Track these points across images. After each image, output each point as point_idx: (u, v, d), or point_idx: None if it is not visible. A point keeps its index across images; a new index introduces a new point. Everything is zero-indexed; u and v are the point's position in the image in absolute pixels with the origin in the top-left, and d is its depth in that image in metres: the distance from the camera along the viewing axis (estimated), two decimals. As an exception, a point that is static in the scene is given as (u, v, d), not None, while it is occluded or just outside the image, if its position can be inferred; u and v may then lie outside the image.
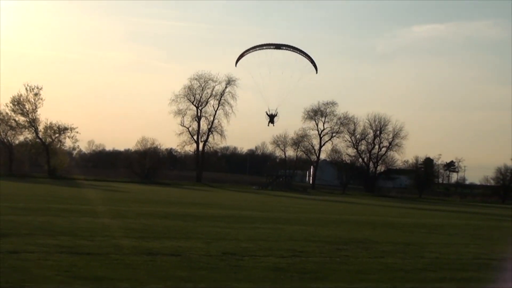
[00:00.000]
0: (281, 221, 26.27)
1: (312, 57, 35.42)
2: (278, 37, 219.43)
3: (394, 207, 57.36)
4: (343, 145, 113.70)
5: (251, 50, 35.21)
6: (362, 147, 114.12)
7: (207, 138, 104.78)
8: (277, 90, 36.54)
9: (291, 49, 35.20)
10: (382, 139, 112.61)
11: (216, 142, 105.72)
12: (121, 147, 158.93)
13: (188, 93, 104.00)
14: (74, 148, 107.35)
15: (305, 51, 35.56)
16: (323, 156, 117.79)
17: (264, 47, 35.18)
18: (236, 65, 36.16)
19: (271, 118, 42.09)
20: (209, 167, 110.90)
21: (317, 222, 27.08)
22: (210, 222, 22.96)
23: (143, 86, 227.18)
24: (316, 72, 36.86)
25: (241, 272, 11.74)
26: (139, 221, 21.71)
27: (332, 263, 13.71)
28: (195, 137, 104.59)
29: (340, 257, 14.82)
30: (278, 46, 35.16)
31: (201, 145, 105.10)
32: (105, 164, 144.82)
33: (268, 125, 37.46)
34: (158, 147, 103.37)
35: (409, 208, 57.03)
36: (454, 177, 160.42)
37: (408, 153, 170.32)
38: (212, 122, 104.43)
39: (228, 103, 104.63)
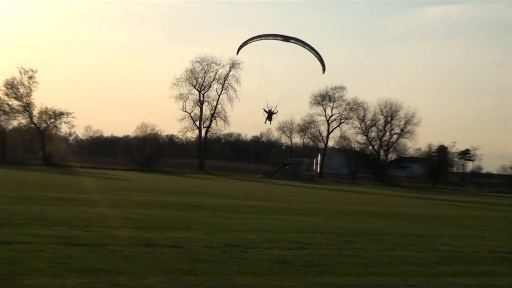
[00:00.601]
0: (287, 212, 26.30)
1: (321, 55, 35.08)
2: (284, 18, 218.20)
3: (405, 197, 57.35)
4: (352, 132, 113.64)
5: (256, 39, 34.88)
6: (372, 134, 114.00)
7: (210, 124, 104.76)
8: (279, 85, 36.38)
9: (300, 43, 34.78)
10: (394, 126, 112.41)
11: (219, 128, 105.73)
12: (119, 133, 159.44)
13: (190, 77, 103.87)
14: (70, 134, 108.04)
15: (315, 47, 35.20)
16: (331, 143, 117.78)
17: (271, 37, 34.83)
18: (237, 53, 35.93)
19: (269, 115, 42.08)
20: (212, 155, 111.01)
21: (324, 213, 27.09)
22: (212, 212, 23.00)
23: (142, 69, 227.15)
24: (323, 72, 36.66)
25: (245, 264, 11.75)
26: (138, 210, 21.75)
27: (340, 255, 13.72)
28: (197, 123, 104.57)
29: (349, 249, 14.82)
30: (286, 39, 34.66)
31: (203, 131, 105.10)
32: (103, 151, 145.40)
33: (265, 122, 37.36)
34: (159, 133, 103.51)
35: (422, 198, 57.01)
36: (469, 166, 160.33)
37: (420, 140, 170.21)
38: (215, 107, 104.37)
39: (232, 87, 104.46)
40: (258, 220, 21.01)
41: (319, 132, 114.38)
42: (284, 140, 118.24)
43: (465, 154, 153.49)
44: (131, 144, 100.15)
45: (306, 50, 34.74)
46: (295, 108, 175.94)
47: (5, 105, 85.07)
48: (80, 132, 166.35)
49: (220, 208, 25.84)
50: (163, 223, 17.92)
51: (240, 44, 35.71)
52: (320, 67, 36.07)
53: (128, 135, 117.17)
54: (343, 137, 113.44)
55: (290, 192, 50.54)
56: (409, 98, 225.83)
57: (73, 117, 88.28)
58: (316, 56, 35.15)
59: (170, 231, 15.99)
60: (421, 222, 25.27)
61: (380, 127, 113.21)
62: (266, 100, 36.92)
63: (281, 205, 31.17)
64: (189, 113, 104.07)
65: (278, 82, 36.28)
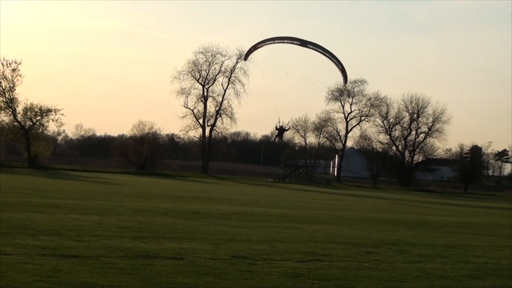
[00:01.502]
0: (301, 220, 26.33)
1: (342, 63, 34.76)
2: (298, 3, 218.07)
3: (433, 203, 57.21)
4: (373, 131, 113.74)
5: (268, 42, 34.50)
6: (396, 133, 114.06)
7: (215, 122, 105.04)
8: (292, 96, 36.40)
9: (319, 50, 34.38)
10: (420, 124, 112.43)
11: (225, 126, 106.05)
12: (114, 132, 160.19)
13: (192, 69, 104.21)
14: (59, 133, 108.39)
15: (335, 55, 34.83)
16: (350, 143, 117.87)
17: (286, 41, 34.52)
18: (246, 58, 35.87)
19: (280, 132, 42.15)
20: (217, 156, 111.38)
21: (342, 221, 27.10)
22: (217, 220, 23.06)
23: (139, 61, 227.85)
24: (345, 84, 36.52)
25: (254, 278, 11.79)
26: (135, 218, 21.84)
27: (360, 268, 13.73)
28: (200, 121, 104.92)
29: (370, 261, 14.82)
30: (303, 43, 34.29)
31: (207, 130, 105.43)
32: (96, 152, 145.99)
33: (275, 140, 37.37)
34: (158, 132, 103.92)
35: (452, 204, 56.87)
36: (507, 168, 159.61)
37: (451, 140, 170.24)
38: (221, 103, 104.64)
39: (239, 81, 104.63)
40: (269, 229, 21.05)
41: (336, 131, 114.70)
42: (298, 140, 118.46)
43: (502, 155, 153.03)
44: (127, 144, 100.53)
45: (325, 58, 34.38)
46: (310, 103, 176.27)
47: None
48: (70, 131, 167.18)
49: (226, 215, 25.89)
50: (162, 232, 17.99)
51: (249, 48, 35.43)
52: (341, 77, 35.88)
53: (123, 135, 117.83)
54: (363, 137, 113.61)
55: (304, 197, 50.55)
56: (437, 93, 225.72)
57: (62, 115, 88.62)
58: (337, 65, 34.85)
59: (170, 241, 16.05)
60: (451, 232, 25.24)
61: (405, 126, 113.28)
62: (278, 116, 36.87)
63: (294, 212, 31.20)
64: (192, 110, 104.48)
65: (291, 93, 36.47)
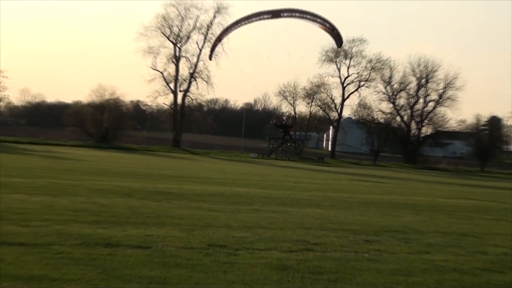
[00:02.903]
0: (289, 202, 26.38)
1: (330, 22, 34.35)
2: None
3: (444, 183, 57.59)
4: (374, 98, 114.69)
5: (234, 28, 34.22)
6: (401, 101, 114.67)
7: (189, 87, 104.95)
8: (279, 58, 36.12)
9: (296, 15, 33.99)
10: (430, 90, 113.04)
11: (201, 92, 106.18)
12: (68, 98, 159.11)
13: (162, 25, 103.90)
14: (0, 99, 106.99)
15: (318, 14, 34.49)
16: (346, 113, 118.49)
17: (254, 19, 34.17)
18: (210, 58, 35.59)
19: (285, 130, 42.27)
20: (191, 127, 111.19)
21: (338, 204, 27.20)
22: (191, 203, 23.05)
23: (98, 15, 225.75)
24: (339, 46, 36.07)
25: (233, 271, 11.80)
26: (93, 200, 21.78)
27: (358, 260, 13.79)
28: (171, 86, 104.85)
29: (369, 252, 14.89)
30: (275, 14, 33.91)
31: (180, 96, 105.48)
32: (46, 121, 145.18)
33: (284, 139, 37.18)
34: (121, 98, 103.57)
35: (467, 185, 57.26)
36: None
37: (465, 110, 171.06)
38: (196, 65, 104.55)
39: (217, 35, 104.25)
40: (251, 213, 21.07)
41: (331, 98, 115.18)
42: (286, 108, 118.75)
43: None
44: (84, 112, 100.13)
45: (308, 22, 34.10)
46: (300, 66, 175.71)
47: None
48: (14, 96, 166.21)
49: (202, 197, 25.89)
50: (126, 217, 17.96)
51: (213, 41, 35.08)
52: (332, 40, 35.59)
53: (79, 101, 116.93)
54: (362, 105, 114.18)
55: (293, 176, 50.65)
56: (450, 54, 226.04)
57: (5, 77, 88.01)
58: (324, 27, 34.51)
59: (135, 227, 16.04)
60: (465, 217, 25.41)
61: (411, 92, 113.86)
62: (276, 111, 36.84)
63: (281, 193, 31.25)
64: (161, 73, 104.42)
65: (278, 55, 36.25)
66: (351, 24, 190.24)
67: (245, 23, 33.94)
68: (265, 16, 33.99)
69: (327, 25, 34.72)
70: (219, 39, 34.95)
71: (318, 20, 34.43)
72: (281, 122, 47.29)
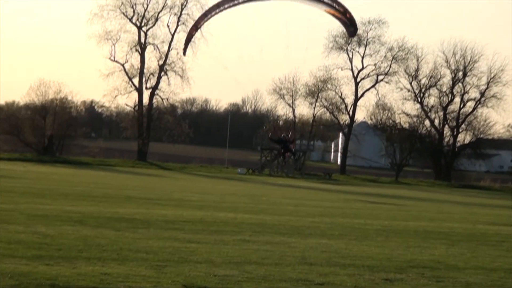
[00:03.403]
0: (287, 231, 26.38)
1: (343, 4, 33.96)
2: None
3: (488, 206, 57.62)
4: (396, 97, 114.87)
5: (216, 11, 33.99)
6: (432, 100, 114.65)
7: (158, 83, 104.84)
8: (275, 45, 35.94)
9: None
10: (468, 87, 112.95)
11: (174, 90, 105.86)
12: (0, 99, 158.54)
13: (122, 3, 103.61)
14: None
15: None
16: (361, 116, 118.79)
17: (241, 2, 33.86)
18: (184, 53, 35.40)
19: (284, 146, 42.59)
20: (162, 135, 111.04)
21: (349, 233, 27.20)
22: (162, 232, 23.02)
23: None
24: (352, 36, 35.80)
25: (217, 319, 11.78)
26: (34, 228, 21.71)
27: (378, 304, 13.78)
28: (135, 81, 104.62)
29: (392, 293, 14.89)
30: None
31: (146, 95, 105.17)
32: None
33: (284, 157, 37.16)
34: (69, 98, 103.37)
35: (516, 208, 57.32)
36: None
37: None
38: (167, 54, 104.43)
39: (194, 21, 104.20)
40: (239, 245, 21.05)
41: (340, 97, 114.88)
42: (282, 110, 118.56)
43: None
44: (20, 116, 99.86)
45: (311, 4, 33.85)
46: (301, 55, 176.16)
47: None
48: None
49: (176, 224, 25.87)
50: (77, 250, 17.91)
51: (189, 29, 34.88)
52: (342, 28, 35.44)
53: (15, 102, 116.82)
54: (381, 106, 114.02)
55: (292, 198, 50.64)
56: (495, 41, 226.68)
57: None
58: (332, 10, 34.11)
59: (89, 263, 15.99)
60: (513, 248, 25.41)
61: (444, 89, 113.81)
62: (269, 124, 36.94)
63: (277, 219, 31.24)
64: (122, 65, 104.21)
65: (272, 42, 36.13)
66: (367, 0, 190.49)
67: (233, 5, 33.70)
68: None
69: (337, 6, 34.28)
70: (196, 27, 34.68)
71: (326, 0, 34.06)
72: (279, 136, 46.66)
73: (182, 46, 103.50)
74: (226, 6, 33.40)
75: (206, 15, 33.95)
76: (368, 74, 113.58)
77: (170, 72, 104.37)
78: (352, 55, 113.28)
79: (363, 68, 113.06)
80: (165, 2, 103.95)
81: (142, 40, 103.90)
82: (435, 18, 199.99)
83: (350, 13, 34.31)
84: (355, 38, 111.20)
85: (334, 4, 33.76)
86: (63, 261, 16.14)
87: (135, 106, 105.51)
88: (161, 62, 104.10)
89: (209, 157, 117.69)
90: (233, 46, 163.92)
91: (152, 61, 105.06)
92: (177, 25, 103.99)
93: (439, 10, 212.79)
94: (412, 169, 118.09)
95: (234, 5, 33.38)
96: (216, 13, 33.39)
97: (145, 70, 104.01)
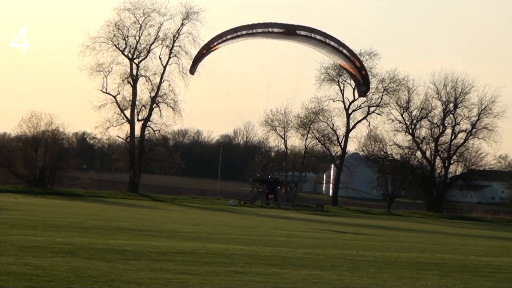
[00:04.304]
0: (279, 262, 26.31)
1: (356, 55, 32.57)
2: None
3: (480, 237, 57.68)
4: (388, 129, 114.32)
5: (232, 39, 33.09)
6: (423, 131, 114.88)
7: (150, 114, 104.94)
8: (267, 76, 35.43)
9: (317, 37, 32.24)
10: (459, 118, 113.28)
11: (166, 122, 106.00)
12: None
13: (115, 35, 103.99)
14: None
15: (344, 43, 32.97)
16: (352, 147, 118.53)
17: (259, 34, 32.96)
18: (193, 72, 34.33)
19: (271, 186, 42.50)
20: (153, 167, 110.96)
21: (342, 264, 27.15)
22: (153, 263, 22.93)
23: (32, 21, 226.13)
24: (364, 95, 34.04)
25: None
26: (25, 260, 21.62)
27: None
28: (127, 113, 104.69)
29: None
30: (289, 31, 32.23)
31: (138, 127, 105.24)
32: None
33: (267, 197, 37.02)
34: (61, 130, 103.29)
35: (509, 239, 57.31)
36: None
37: (506, 143, 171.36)
38: (159, 86, 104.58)
39: (186, 53, 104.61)
40: (231, 276, 20.99)
41: (332, 128, 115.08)
42: (274, 142, 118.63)
43: None
44: (12, 148, 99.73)
45: (326, 51, 32.80)
46: (293, 86, 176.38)
47: None
48: None
49: (167, 255, 25.78)
50: (68, 282, 17.82)
51: (201, 48, 33.88)
52: (353, 83, 33.81)
53: (5, 134, 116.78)
54: (372, 138, 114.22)
55: (284, 229, 50.61)
56: (486, 72, 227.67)
57: None
58: (347, 64, 32.97)
59: (80, 295, 15.92)
60: (506, 279, 25.40)
61: (435, 121, 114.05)
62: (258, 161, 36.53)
63: (269, 250, 31.19)
64: (114, 97, 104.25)
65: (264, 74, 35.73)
66: (358, 33, 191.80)
67: (246, 36, 33.14)
68: (275, 30, 32.86)
69: (354, 60, 33.05)
70: (208, 47, 33.83)
71: (344, 51, 32.88)
72: (266, 177, 47.87)
73: (174, 78, 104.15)
74: (244, 32, 32.81)
75: (220, 37, 33.19)
76: (360, 105, 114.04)
77: (162, 104, 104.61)
78: (344, 87, 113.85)
79: (354, 99, 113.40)
80: (157, 34, 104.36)
81: (134, 72, 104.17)
82: (426, 50, 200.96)
83: (365, 70, 33.29)
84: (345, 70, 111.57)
85: (352, 58, 32.68)
86: (54, 293, 16.07)
87: (127, 138, 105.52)
88: (153, 94, 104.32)
89: (201, 188, 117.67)
90: (226, 77, 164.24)
91: (144, 93, 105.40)
92: (169, 57, 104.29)
93: (430, 42, 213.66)
94: (404, 200, 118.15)
95: (252, 35, 32.74)
96: (232, 38, 32.78)
97: (137, 102, 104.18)
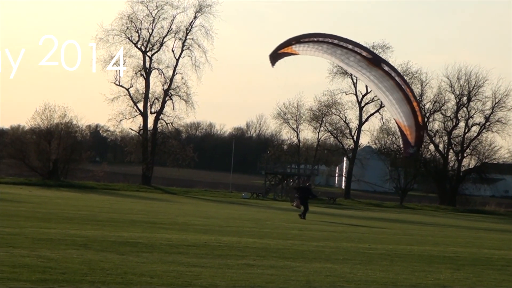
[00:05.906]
0: (291, 255, 26.29)
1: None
2: None
3: (493, 230, 57.51)
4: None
5: (311, 41, 31.08)
6: (436, 125, 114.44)
7: (162, 107, 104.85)
8: (279, 68, 33.89)
9: (396, 78, 29.50)
10: (473, 112, 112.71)
11: (179, 114, 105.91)
12: (5, 123, 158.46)
13: (127, 28, 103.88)
14: None
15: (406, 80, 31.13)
16: (365, 140, 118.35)
17: (339, 45, 30.95)
18: (273, 64, 31.77)
19: (303, 195, 42.99)
20: (166, 160, 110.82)
21: (354, 257, 27.10)
22: (166, 256, 22.93)
23: (44, 16, 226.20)
24: (410, 154, 30.13)
25: None
26: (39, 252, 21.65)
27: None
28: (140, 106, 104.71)
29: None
30: (375, 61, 29.91)
31: (151, 119, 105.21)
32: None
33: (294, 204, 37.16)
34: (74, 122, 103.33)
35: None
36: None
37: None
38: (171, 79, 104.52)
39: (199, 46, 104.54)
40: (243, 269, 20.98)
41: (345, 121, 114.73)
42: (287, 135, 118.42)
43: None
44: (25, 140, 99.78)
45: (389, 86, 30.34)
46: (306, 81, 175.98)
47: None
48: None
49: (180, 248, 25.78)
50: (81, 274, 17.84)
51: (287, 40, 32.01)
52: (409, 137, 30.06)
53: (19, 126, 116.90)
54: (385, 131, 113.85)
55: (296, 222, 50.52)
56: (500, 65, 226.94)
57: None
58: (403, 125, 30.03)
59: (93, 287, 15.93)
60: (520, 273, 25.32)
61: (449, 114, 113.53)
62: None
63: (281, 243, 31.15)
64: (127, 89, 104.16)
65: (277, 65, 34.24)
66: (371, 25, 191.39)
67: (325, 49, 31.36)
68: (363, 53, 30.86)
69: (418, 115, 29.63)
70: (289, 43, 31.28)
71: (414, 104, 29.75)
72: (301, 184, 47.76)
73: (187, 71, 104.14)
74: (322, 43, 31.19)
75: (305, 37, 31.45)
76: (373, 98, 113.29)
77: (175, 96, 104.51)
78: (356, 80, 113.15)
79: (367, 92, 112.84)
80: (170, 27, 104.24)
81: (147, 64, 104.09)
82: (439, 43, 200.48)
83: (424, 130, 29.71)
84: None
85: (417, 113, 29.05)
86: (68, 284, 16.10)
87: (139, 131, 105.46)
88: (165, 87, 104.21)
89: (213, 181, 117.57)
90: (244, 69, 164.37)
91: (157, 86, 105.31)
92: (182, 50, 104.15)
93: (444, 35, 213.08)
94: (417, 193, 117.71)
95: (330, 53, 31.01)
96: (308, 41, 31.47)
97: (149, 95, 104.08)
